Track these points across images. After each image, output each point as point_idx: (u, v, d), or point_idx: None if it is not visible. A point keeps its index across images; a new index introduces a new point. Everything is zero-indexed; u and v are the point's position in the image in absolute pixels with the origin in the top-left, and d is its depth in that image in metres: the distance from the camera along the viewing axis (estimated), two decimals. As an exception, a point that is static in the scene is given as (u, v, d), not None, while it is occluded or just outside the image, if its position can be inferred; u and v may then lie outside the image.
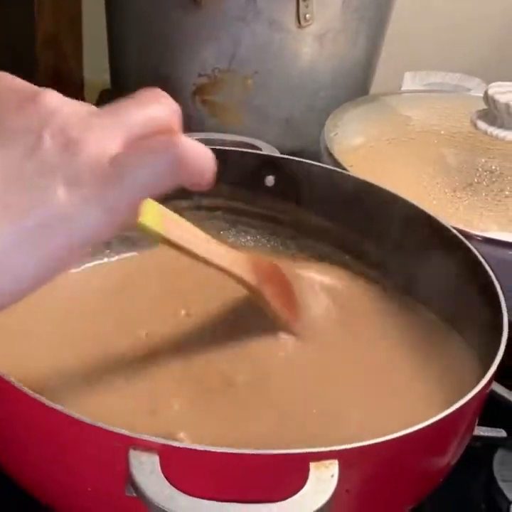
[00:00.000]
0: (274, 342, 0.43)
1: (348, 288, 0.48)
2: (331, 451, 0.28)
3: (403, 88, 0.67)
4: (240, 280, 0.40)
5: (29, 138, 0.23)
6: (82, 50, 0.90)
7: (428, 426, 0.30)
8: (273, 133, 0.66)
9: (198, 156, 0.24)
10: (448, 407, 0.31)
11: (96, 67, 0.89)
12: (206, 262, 0.37)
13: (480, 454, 0.43)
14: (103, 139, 0.23)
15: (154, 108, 0.25)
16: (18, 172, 0.22)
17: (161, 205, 0.32)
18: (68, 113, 0.24)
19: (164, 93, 0.26)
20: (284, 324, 0.43)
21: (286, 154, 0.63)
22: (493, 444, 0.44)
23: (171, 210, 0.33)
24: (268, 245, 0.51)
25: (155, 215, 0.31)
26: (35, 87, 0.25)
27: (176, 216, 0.34)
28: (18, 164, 0.23)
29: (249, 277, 0.40)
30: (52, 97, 0.24)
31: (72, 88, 0.91)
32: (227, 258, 0.39)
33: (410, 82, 0.68)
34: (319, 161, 0.55)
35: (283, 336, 0.43)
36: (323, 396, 0.39)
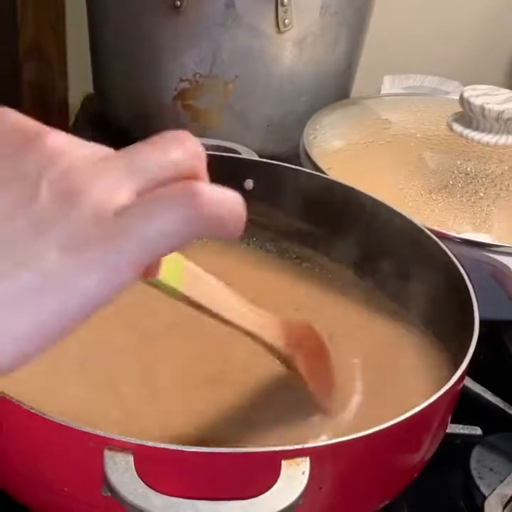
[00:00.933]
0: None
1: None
2: (302, 449, 0.29)
3: (382, 91, 0.68)
4: (269, 347, 0.35)
5: (25, 186, 0.20)
6: (66, 58, 0.90)
7: (400, 422, 0.31)
8: (254, 137, 0.67)
9: (224, 206, 0.21)
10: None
11: (80, 74, 0.89)
12: (230, 323, 0.32)
13: (457, 451, 0.44)
14: (110, 187, 0.20)
15: (176, 152, 0.21)
16: (7, 227, 0.20)
17: (180, 255, 0.27)
18: (74, 156, 0.21)
19: (190, 135, 0.22)
20: (315, 401, 0.38)
21: (268, 158, 0.64)
22: (470, 441, 0.45)
23: None
24: (248, 248, 0.52)
25: (173, 268, 0.26)
26: (40, 126, 0.21)
27: (198, 269, 0.29)
28: (8, 217, 0.20)
29: (281, 345, 0.35)
30: (56, 138, 0.21)
31: (56, 96, 0.91)
32: (254, 320, 0.33)
33: (389, 85, 0.69)
34: (300, 165, 0.56)
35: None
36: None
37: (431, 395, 0.32)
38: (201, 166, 0.22)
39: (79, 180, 0.20)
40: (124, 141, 0.24)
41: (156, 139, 0.22)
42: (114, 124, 0.72)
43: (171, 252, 0.21)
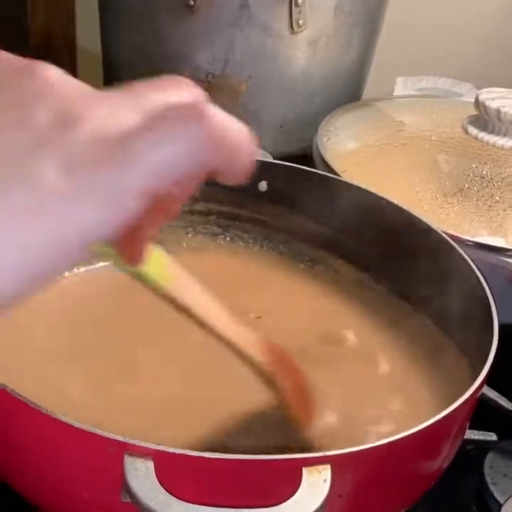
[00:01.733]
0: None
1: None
2: (323, 456, 0.28)
3: (395, 93, 0.68)
4: (251, 361, 0.33)
5: (20, 111, 0.19)
6: (76, 53, 0.91)
7: (420, 430, 0.31)
8: (267, 137, 0.67)
9: (232, 130, 0.20)
10: (440, 412, 0.32)
11: (90, 71, 0.89)
12: (213, 331, 0.30)
13: (471, 457, 0.44)
14: (112, 111, 0.19)
15: (176, 94, 0.21)
16: (1, 147, 0.18)
17: (166, 255, 0.27)
18: (70, 86, 0.20)
19: (188, 80, 0.21)
20: (294, 419, 0.36)
21: (280, 159, 0.64)
22: (484, 447, 0.44)
23: None
24: (261, 250, 0.52)
25: (159, 264, 0.26)
26: (33, 60, 0.21)
27: (184, 271, 0.28)
28: (2, 139, 0.18)
29: (263, 361, 0.33)
30: (51, 70, 0.20)
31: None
32: (239, 332, 0.32)
33: (402, 87, 0.69)
34: (313, 166, 0.56)
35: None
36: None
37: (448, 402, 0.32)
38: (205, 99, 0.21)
39: (78, 105, 0.19)
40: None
41: (153, 81, 0.21)
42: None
43: (178, 181, 0.19)
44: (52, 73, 0.20)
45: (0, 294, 0.18)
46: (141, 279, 0.26)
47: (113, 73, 0.73)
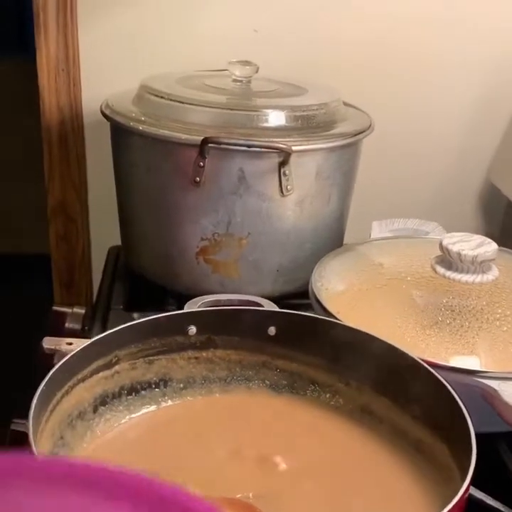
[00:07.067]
0: None
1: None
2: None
3: (372, 235, 0.79)
4: None
5: None
6: (88, 214, 1.02)
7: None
8: (267, 281, 0.78)
9: None
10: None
11: (101, 229, 1.01)
12: None
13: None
14: None
15: None
16: None
17: None
18: None
19: None
20: None
21: (279, 297, 0.75)
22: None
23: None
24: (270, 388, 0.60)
25: None
26: None
27: None
28: None
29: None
30: None
31: (79, 248, 1.03)
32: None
33: (378, 229, 0.80)
34: (308, 303, 0.66)
35: None
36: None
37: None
38: None
39: None
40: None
41: None
42: (140, 275, 0.82)
43: None
44: None
45: None
46: None
47: (129, 231, 0.84)
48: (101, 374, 0.55)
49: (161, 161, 0.74)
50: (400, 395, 0.55)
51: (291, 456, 0.53)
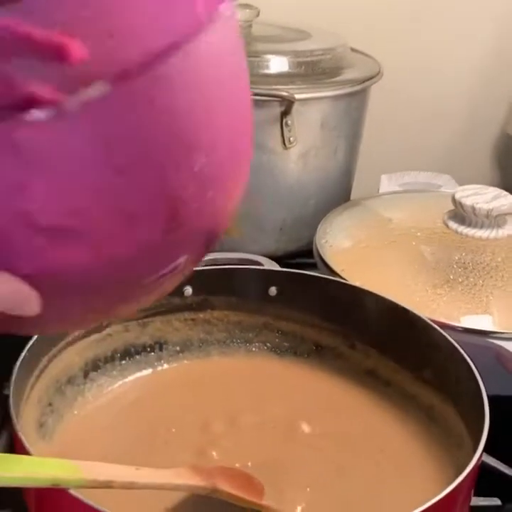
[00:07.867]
0: None
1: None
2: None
3: (381, 190, 0.75)
4: (188, 488, 0.39)
5: None
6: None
7: (430, 506, 0.36)
8: (270, 239, 0.74)
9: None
10: (446, 486, 0.37)
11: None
12: (144, 486, 0.35)
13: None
14: None
15: None
16: None
17: (67, 460, 0.31)
18: None
19: None
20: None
21: (283, 257, 0.71)
22: (489, 512, 0.49)
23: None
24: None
25: (68, 468, 0.31)
26: None
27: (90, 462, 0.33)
28: None
29: (197, 480, 0.38)
30: None
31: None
32: (164, 474, 0.37)
33: (387, 183, 0.76)
34: (314, 264, 0.63)
35: None
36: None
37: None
38: None
39: None
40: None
41: None
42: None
43: None
44: None
45: None
46: (58, 484, 0.30)
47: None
48: (92, 337, 0.52)
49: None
50: (408, 358, 0.52)
51: (294, 423, 0.51)
